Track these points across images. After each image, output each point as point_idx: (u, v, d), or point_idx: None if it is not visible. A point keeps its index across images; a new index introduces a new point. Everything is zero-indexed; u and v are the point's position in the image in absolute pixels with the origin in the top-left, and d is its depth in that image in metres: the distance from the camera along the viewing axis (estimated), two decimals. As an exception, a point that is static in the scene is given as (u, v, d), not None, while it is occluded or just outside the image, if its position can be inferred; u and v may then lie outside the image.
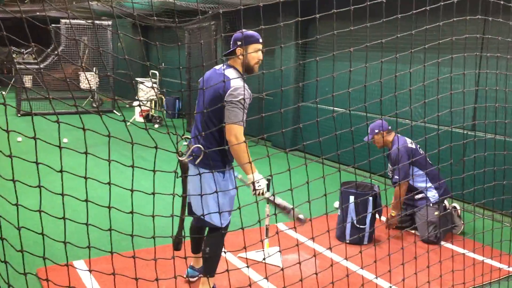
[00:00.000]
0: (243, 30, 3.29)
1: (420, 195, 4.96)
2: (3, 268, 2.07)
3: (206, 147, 3.13)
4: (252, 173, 3.16)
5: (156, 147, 2.11)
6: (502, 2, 3.31)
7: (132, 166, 2.10)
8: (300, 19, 2.37)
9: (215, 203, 3.22)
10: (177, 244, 2.70)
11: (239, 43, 3.34)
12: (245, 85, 3.15)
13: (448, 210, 4.99)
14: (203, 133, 3.24)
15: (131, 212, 2.15)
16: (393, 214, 4.90)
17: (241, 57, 3.32)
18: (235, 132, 3.07)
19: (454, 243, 4.67)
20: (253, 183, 3.15)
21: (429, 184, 4.86)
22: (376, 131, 5.01)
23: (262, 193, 3.20)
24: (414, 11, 2.77)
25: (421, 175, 4.88)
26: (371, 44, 2.65)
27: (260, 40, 3.36)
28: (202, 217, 3.29)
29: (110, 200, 2.17)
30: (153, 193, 2.12)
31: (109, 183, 2.13)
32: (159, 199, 2.53)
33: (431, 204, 4.88)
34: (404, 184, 4.82)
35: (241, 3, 2.28)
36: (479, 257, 3.94)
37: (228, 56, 3.42)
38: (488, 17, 3.39)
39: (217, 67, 3.51)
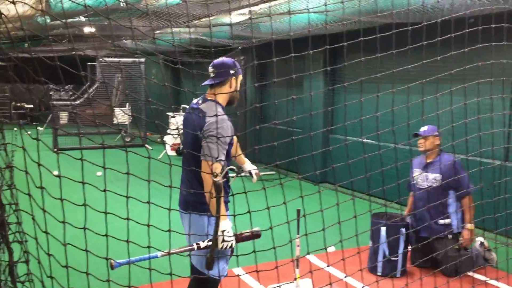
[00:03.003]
0: (223, 57, 3.07)
1: (445, 221, 4.72)
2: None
3: (193, 190, 2.90)
4: (222, 219, 2.74)
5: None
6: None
7: (170, 185, 2.16)
8: (328, 47, 2.45)
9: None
10: (209, 263, 2.68)
11: (232, 72, 3.00)
12: (225, 117, 2.87)
13: (473, 251, 4.73)
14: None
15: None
16: (471, 228, 4.60)
17: (229, 88, 3.01)
18: (209, 170, 2.70)
19: (487, 275, 4.52)
20: (222, 232, 2.76)
21: (455, 207, 4.70)
22: (436, 133, 4.77)
23: (231, 246, 2.82)
24: (439, 38, 2.82)
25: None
26: (395, 72, 2.70)
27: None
28: (196, 268, 2.99)
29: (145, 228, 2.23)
30: (191, 212, 2.16)
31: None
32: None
33: (450, 236, 4.65)
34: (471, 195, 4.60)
35: (272, 34, 2.38)
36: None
37: (214, 87, 3.05)
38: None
39: (194, 100, 3.19)
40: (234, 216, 2.62)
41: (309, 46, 2.42)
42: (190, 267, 3.15)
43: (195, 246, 2.75)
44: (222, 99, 3.04)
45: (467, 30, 2.94)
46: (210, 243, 2.76)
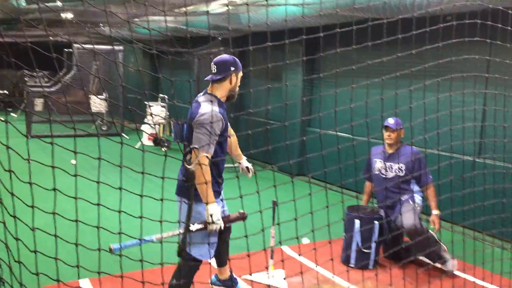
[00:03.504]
0: (226, 55, 3.32)
1: (407, 196, 4.83)
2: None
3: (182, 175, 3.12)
4: (209, 203, 3.01)
5: (165, 155, 2.17)
6: (508, 28, 3.39)
7: (144, 172, 2.15)
8: (304, 37, 2.48)
9: (196, 234, 3.08)
10: (180, 251, 2.75)
11: (232, 69, 3.24)
12: (218, 109, 3.10)
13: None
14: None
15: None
16: (438, 213, 4.72)
17: (229, 84, 3.24)
18: (197, 157, 2.92)
19: (464, 269, 4.63)
20: (210, 215, 3.01)
21: (417, 188, 4.87)
22: (401, 126, 4.88)
23: (220, 228, 3.08)
24: (414, 32, 2.87)
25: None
26: (371, 66, 2.73)
27: None
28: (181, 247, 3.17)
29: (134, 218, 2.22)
30: (162, 199, 2.16)
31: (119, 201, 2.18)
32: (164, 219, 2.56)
33: (418, 208, 4.73)
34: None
35: (249, 24, 2.38)
36: (483, 283, 3.91)
37: (215, 82, 3.29)
38: (493, 40, 3.47)
39: (200, 94, 3.45)
40: (207, 203, 2.63)
41: (285, 36, 2.43)
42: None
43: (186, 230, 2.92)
44: (221, 94, 3.26)
45: (441, 25, 3.00)
46: (201, 225, 2.98)
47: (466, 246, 3.74)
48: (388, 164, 4.92)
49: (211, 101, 3.16)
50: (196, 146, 2.93)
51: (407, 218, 4.52)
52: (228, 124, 3.39)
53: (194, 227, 2.98)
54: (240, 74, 3.31)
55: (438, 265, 4.64)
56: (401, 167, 4.84)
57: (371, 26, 2.74)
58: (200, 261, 3.33)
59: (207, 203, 2.99)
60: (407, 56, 2.95)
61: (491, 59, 3.59)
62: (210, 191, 2.97)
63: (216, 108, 3.10)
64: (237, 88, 3.32)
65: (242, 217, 3.22)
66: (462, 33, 3.21)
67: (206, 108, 3.09)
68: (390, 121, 4.86)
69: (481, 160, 5.57)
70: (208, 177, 2.91)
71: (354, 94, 2.81)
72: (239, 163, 3.81)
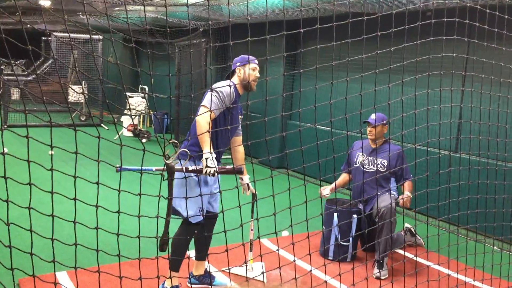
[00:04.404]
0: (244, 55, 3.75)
1: (384, 192, 4.83)
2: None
3: (192, 151, 3.41)
4: (206, 150, 3.36)
5: (144, 150, 2.15)
6: (485, 27, 3.44)
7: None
8: (285, 32, 2.49)
9: (181, 194, 3.27)
10: (161, 245, 2.76)
11: (238, 64, 3.82)
12: (231, 89, 3.57)
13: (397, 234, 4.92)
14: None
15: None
16: (410, 195, 4.69)
17: (240, 75, 3.78)
18: (202, 113, 3.42)
19: (439, 262, 4.71)
20: (206, 159, 3.34)
21: (394, 185, 4.95)
22: (384, 122, 4.87)
23: (213, 174, 3.32)
24: (393, 29, 2.89)
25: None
26: (352, 61, 2.75)
27: (256, 62, 3.83)
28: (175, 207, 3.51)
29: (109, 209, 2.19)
30: (139, 194, 2.15)
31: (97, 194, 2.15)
32: (143, 212, 2.55)
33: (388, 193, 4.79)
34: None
35: (229, 17, 2.36)
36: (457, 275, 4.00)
37: (230, 76, 3.84)
38: (471, 39, 3.52)
39: None
40: (186, 199, 2.62)
41: (266, 31, 2.43)
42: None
43: (183, 168, 3.12)
44: (236, 82, 3.80)
45: (420, 23, 3.02)
46: (197, 168, 3.30)
47: (441, 239, 3.81)
48: (370, 158, 4.93)
49: (230, 83, 3.65)
50: (206, 104, 3.39)
51: (384, 200, 4.57)
52: (240, 129, 3.99)
53: (191, 168, 3.26)
54: (249, 66, 3.75)
55: (415, 258, 4.72)
56: (383, 162, 4.85)
57: (351, 20, 2.74)
58: (195, 224, 3.65)
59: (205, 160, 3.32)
60: (387, 52, 2.97)
61: (469, 57, 3.64)
62: (208, 140, 3.34)
63: (227, 87, 3.59)
64: (250, 78, 3.74)
65: (238, 171, 3.45)
66: (441, 30, 3.25)
67: (223, 83, 3.63)
68: (372, 116, 4.86)
69: (457, 155, 5.66)
70: (207, 127, 3.29)
71: (336, 88, 2.83)
72: (241, 178, 4.00)
